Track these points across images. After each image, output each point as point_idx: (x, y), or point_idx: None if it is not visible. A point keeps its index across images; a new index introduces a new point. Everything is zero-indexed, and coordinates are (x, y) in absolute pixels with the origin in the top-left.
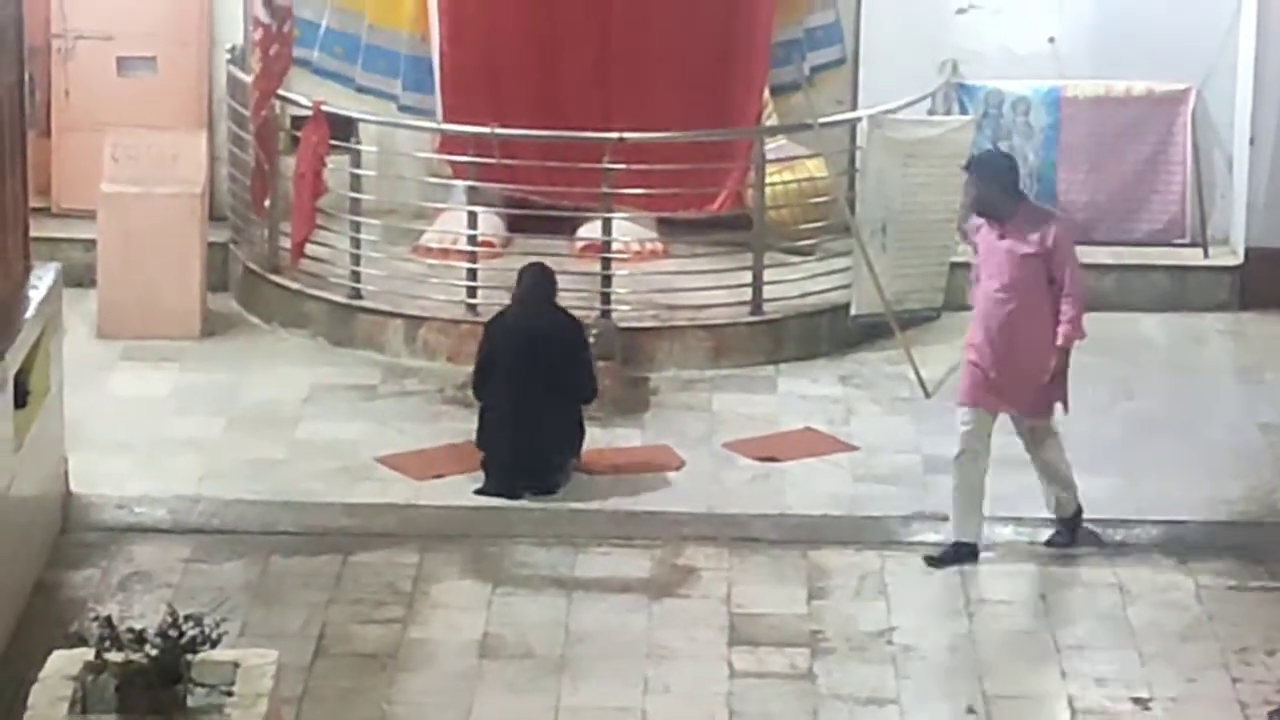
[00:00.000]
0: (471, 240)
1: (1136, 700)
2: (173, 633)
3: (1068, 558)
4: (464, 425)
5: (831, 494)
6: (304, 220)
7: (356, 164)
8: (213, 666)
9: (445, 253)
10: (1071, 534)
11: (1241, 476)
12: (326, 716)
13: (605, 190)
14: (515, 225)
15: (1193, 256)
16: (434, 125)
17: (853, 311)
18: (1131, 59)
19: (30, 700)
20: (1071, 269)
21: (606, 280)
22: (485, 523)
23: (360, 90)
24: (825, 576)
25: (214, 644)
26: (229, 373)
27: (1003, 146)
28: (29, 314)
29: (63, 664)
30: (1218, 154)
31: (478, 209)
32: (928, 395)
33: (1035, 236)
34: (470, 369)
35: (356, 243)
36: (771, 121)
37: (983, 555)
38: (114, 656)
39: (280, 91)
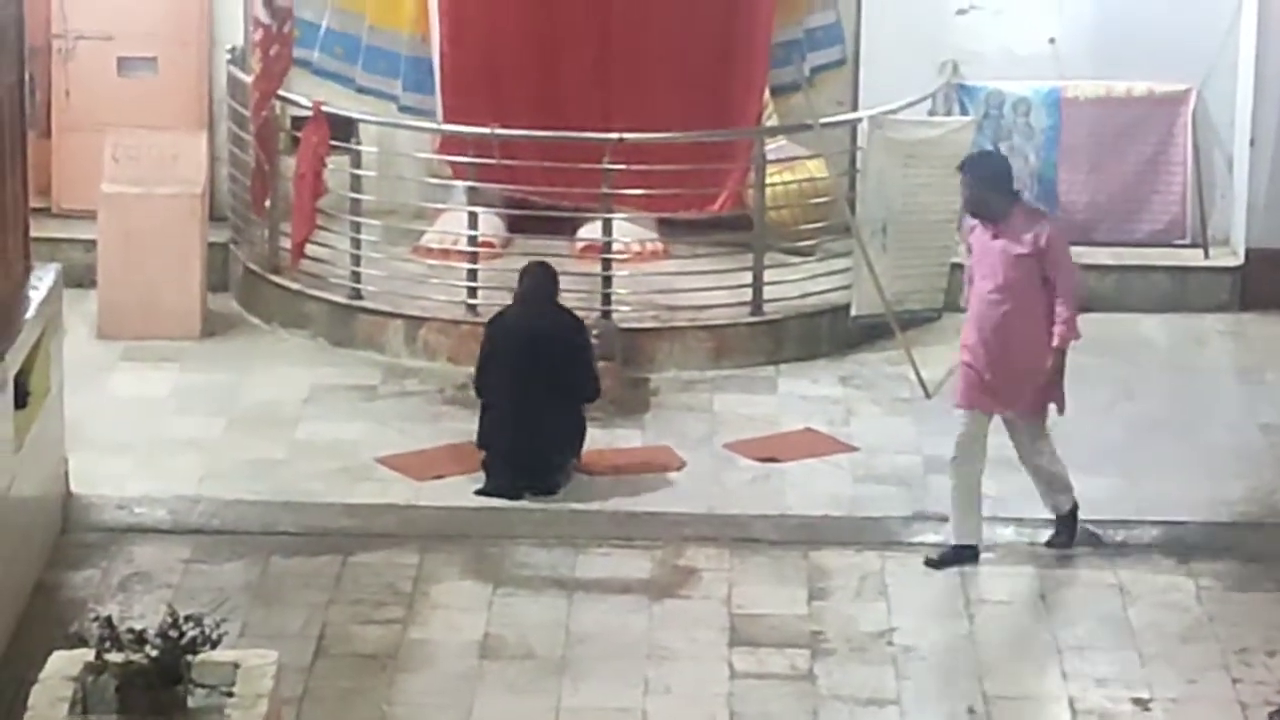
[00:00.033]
0: (472, 241)
1: (1137, 701)
2: (173, 633)
3: (1068, 558)
4: (464, 426)
5: (832, 495)
6: (304, 221)
7: (357, 164)
8: (213, 667)
9: (445, 253)
10: (1071, 534)
11: (1242, 477)
12: (326, 717)
13: (605, 191)
14: (515, 226)
15: (1193, 257)
16: (434, 126)
17: (853, 312)
18: (1132, 59)
19: (30, 701)
20: (1064, 269)
21: (607, 281)
22: (486, 523)
23: (360, 91)
24: (826, 577)
25: (214, 644)
26: (229, 373)
27: (1003, 147)
28: (29, 314)
29: (63, 664)
30: (1218, 154)
31: (478, 209)
32: (928, 396)
33: (1029, 237)
34: (471, 369)
35: (357, 243)
36: (772, 122)
37: (983, 556)
38: (114, 657)
39: (280, 92)
